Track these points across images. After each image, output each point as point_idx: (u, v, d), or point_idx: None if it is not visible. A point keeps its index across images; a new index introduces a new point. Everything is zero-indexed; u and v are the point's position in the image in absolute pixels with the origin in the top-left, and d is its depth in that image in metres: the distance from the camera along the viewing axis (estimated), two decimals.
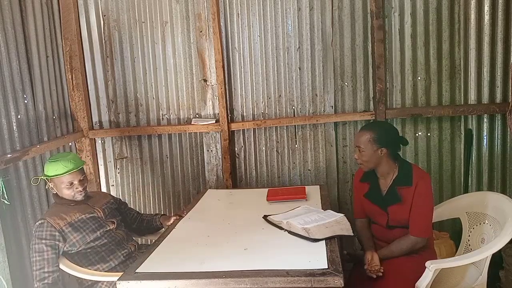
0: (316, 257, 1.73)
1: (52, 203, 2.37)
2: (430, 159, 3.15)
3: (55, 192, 2.25)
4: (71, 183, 2.21)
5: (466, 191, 3.07)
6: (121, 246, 2.27)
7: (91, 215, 2.25)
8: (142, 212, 2.92)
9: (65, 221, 2.15)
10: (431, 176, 3.09)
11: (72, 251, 2.16)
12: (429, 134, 3.13)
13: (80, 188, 2.23)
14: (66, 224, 2.15)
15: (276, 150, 3.28)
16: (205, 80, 3.24)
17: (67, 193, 2.21)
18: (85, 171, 2.40)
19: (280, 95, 3.21)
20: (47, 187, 2.33)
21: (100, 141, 3.34)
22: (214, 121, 3.20)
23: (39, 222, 2.13)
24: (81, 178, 2.24)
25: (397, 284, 1.97)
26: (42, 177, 2.25)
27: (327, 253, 1.76)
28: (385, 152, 2.11)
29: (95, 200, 2.36)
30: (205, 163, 3.34)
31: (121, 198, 3.21)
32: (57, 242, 2.10)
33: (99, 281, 2.15)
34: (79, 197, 2.24)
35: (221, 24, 3.12)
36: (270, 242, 1.95)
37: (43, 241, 2.08)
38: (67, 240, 2.14)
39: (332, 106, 3.17)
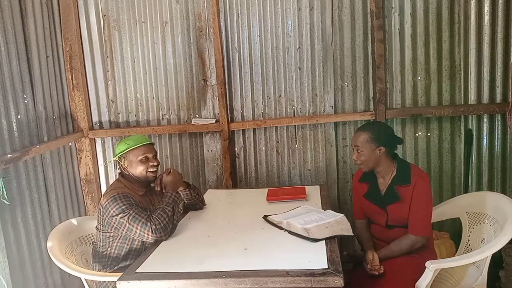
0: (316, 257, 1.73)
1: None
2: (430, 159, 3.14)
3: (127, 173, 2.20)
4: (146, 157, 2.19)
5: (466, 191, 3.06)
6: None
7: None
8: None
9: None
10: (431, 176, 3.10)
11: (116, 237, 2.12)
12: (429, 134, 3.12)
13: (155, 163, 2.21)
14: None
15: (276, 150, 3.28)
16: (205, 80, 3.24)
17: (141, 168, 2.17)
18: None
19: (280, 95, 3.21)
20: (118, 168, 2.27)
21: (100, 141, 3.34)
22: (214, 121, 3.20)
23: (121, 194, 2.06)
24: (154, 155, 2.23)
25: (397, 284, 1.97)
26: (115, 158, 2.21)
27: (327, 253, 1.76)
28: (383, 151, 2.12)
29: (157, 198, 2.31)
30: (205, 163, 3.34)
31: None
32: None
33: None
34: (151, 174, 2.21)
35: (221, 24, 3.12)
36: (270, 242, 1.95)
37: (134, 206, 2.03)
38: None
39: (332, 106, 3.17)
